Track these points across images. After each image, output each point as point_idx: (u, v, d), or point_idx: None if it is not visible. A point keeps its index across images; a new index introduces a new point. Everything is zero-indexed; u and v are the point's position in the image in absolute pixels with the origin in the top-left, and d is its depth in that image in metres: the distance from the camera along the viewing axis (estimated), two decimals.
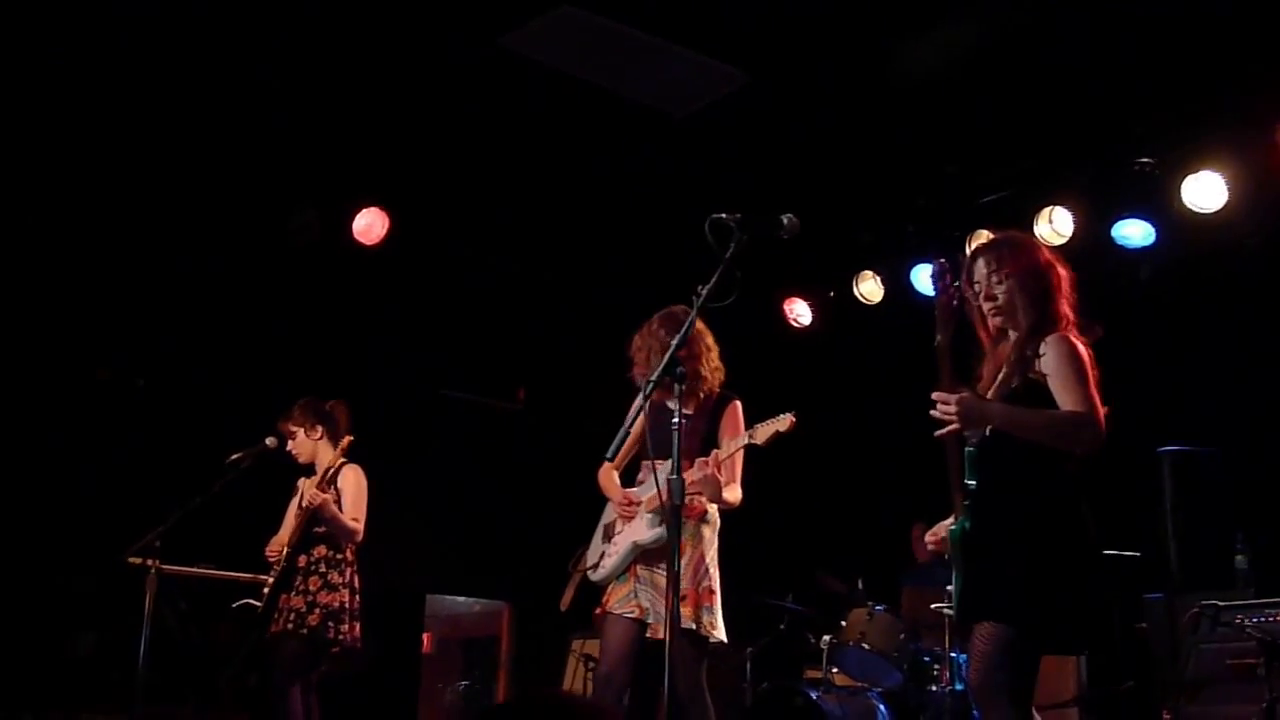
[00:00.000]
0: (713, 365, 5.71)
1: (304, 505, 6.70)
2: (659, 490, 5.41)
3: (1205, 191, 7.27)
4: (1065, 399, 4.09)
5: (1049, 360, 4.13)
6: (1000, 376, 4.29)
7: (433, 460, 8.93)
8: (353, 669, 6.92)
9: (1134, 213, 7.62)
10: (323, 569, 6.60)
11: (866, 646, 7.12)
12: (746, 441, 5.14)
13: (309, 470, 6.91)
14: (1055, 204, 7.75)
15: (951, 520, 4.39)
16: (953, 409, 4.13)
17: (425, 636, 8.68)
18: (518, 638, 9.76)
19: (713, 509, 5.57)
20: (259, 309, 8.33)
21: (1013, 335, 4.36)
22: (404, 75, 7.18)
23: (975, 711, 6.58)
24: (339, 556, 6.65)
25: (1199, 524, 6.89)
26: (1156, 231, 7.61)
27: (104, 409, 8.01)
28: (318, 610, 6.49)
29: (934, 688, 7.05)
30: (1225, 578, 6.47)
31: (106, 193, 7.61)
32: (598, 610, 5.62)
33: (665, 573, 5.37)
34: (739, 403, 5.61)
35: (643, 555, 5.53)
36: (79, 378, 8.05)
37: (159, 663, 6.50)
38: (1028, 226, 7.61)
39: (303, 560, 6.65)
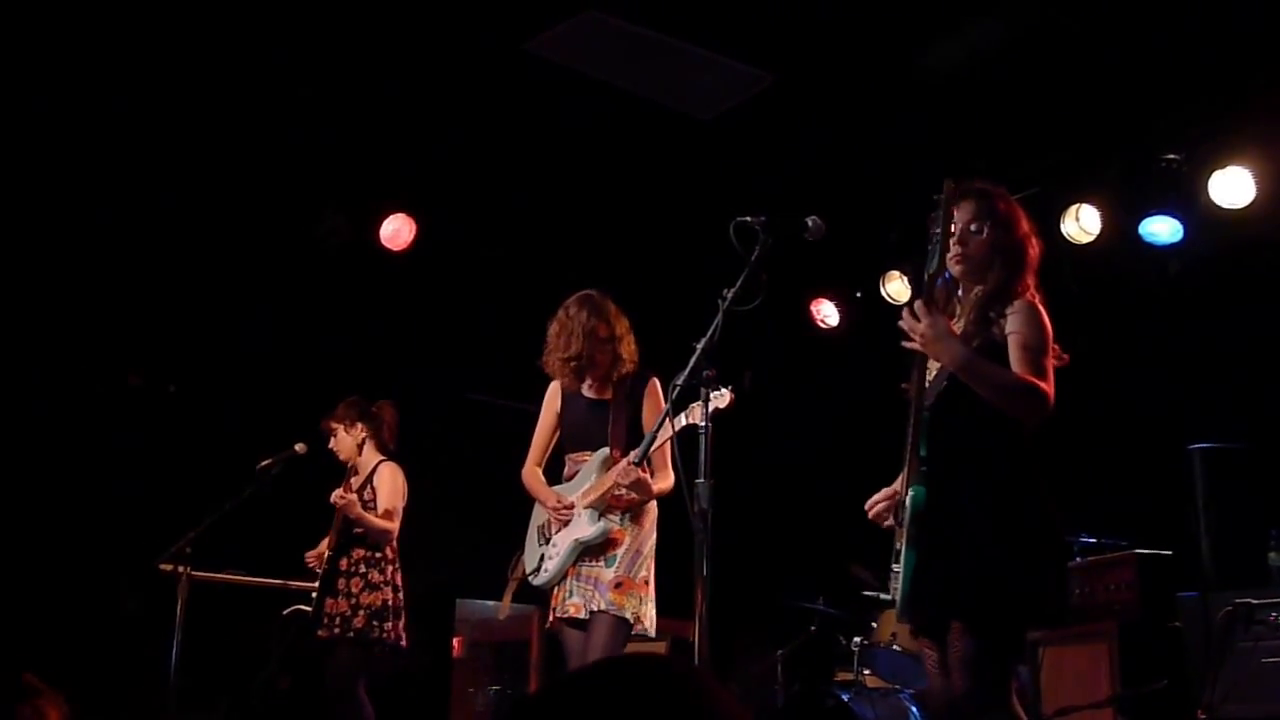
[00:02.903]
0: (631, 348, 5.60)
1: (334, 505, 6.70)
2: (593, 483, 5.41)
3: (1233, 187, 7.22)
4: (1021, 365, 3.94)
5: (1016, 322, 4.00)
6: (959, 330, 4.12)
7: (461, 464, 8.94)
8: (396, 668, 6.93)
9: (1161, 209, 7.57)
10: (363, 569, 6.60)
11: (898, 648, 7.10)
12: (685, 424, 4.80)
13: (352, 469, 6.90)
14: (1082, 201, 7.72)
15: (897, 486, 4.22)
16: (922, 327, 4.02)
17: (455, 641, 8.68)
18: (549, 642, 9.74)
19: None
20: (288, 314, 8.36)
21: (971, 291, 4.23)
22: (430, 81, 7.20)
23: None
24: (378, 555, 6.64)
25: (1231, 521, 6.85)
26: (1184, 228, 7.57)
27: (135, 415, 8.04)
28: (362, 612, 6.50)
29: None
30: (1259, 575, 6.43)
31: (136, 198, 7.65)
32: (549, 623, 5.52)
33: (601, 565, 5.36)
34: (657, 380, 5.47)
35: (582, 551, 5.43)
36: (110, 384, 8.09)
37: (191, 668, 6.52)
38: (1055, 224, 7.58)
39: (344, 563, 6.64)
